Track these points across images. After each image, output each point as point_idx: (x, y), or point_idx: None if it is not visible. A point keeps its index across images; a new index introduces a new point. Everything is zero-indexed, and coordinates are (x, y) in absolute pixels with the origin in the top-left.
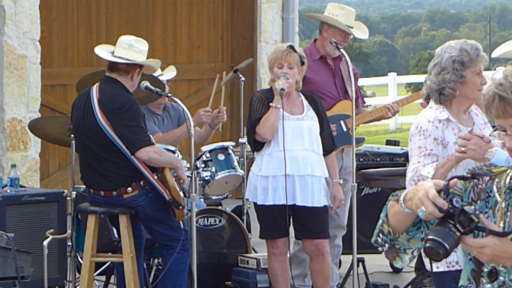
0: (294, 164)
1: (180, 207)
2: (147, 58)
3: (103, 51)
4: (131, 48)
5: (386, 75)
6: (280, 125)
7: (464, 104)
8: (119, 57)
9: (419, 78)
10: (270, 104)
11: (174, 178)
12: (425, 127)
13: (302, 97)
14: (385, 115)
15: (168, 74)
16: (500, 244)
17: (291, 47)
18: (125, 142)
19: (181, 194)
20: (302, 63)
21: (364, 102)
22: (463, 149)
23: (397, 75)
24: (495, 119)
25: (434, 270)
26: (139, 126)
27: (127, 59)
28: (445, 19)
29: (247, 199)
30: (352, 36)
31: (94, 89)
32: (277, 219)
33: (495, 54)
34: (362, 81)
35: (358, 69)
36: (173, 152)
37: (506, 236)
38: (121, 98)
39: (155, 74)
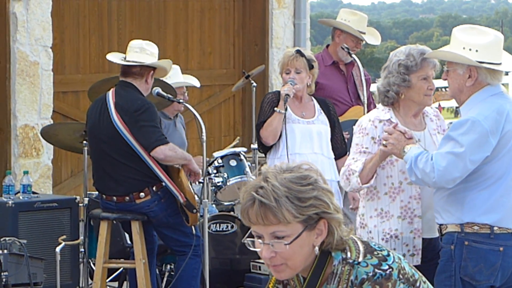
0: None
1: (194, 210)
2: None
3: (115, 58)
4: (143, 51)
5: None
6: (283, 129)
7: (412, 107)
8: (132, 61)
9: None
10: (275, 109)
11: (188, 180)
12: (365, 125)
13: (315, 101)
14: None
15: (192, 81)
16: None
17: (298, 51)
18: (142, 142)
19: (196, 198)
20: (311, 67)
21: (375, 107)
22: (384, 142)
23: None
24: (251, 225)
25: None
26: (155, 126)
27: (141, 62)
28: (457, 24)
29: None
30: (364, 42)
31: (110, 94)
32: None
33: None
34: (374, 87)
35: (370, 74)
36: None
37: None
38: (138, 101)
39: (178, 81)
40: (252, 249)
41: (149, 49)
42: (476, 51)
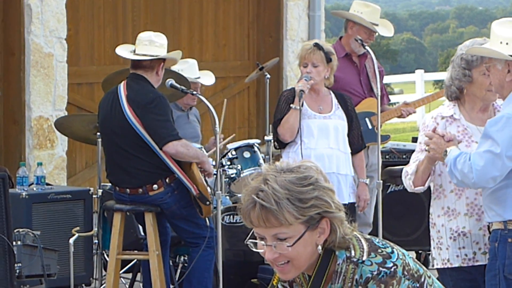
0: (320, 162)
1: (208, 202)
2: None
3: (124, 51)
4: (152, 44)
5: (414, 72)
6: (299, 125)
7: (477, 103)
8: (142, 55)
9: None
10: (291, 105)
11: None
12: (427, 123)
13: (332, 95)
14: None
15: (206, 79)
16: None
17: (316, 45)
18: (154, 136)
19: (208, 190)
20: (330, 60)
21: (389, 100)
22: (426, 148)
23: (425, 72)
24: (253, 227)
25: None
26: (168, 120)
27: (151, 55)
28: (473, 16)
29: None
30: (377, 34)
31: (122, 86)
32: None
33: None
34: (389, 78)
35: (385, 66)
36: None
37: None
38: (150, 94)
39: (193, 77)
40: (255, 250)
41: (158, 41)
42: (507, 44)
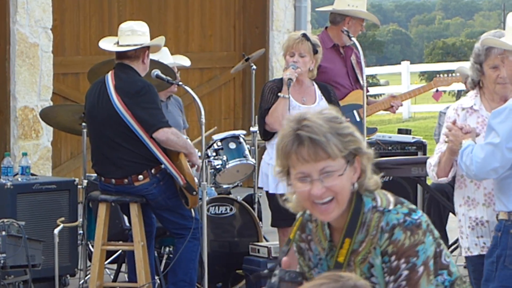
0: None
1: (194, 192)
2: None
3: (108, 44)
4: (134, 33)
5: (400, 63)
6: (287, 114)
7: (494, 94)
8: (126, 45)
9: (433, 66)
10: (278, 94)
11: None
12: (449, 114)
13: (316, 86)
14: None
15: (182, 61)
16: None
17: (304, 35)
18: (143, 124)
19: (195, 180)
20: (316, 52)
21: (368, 91)
22: (446, 139)
23: (411, 63)
24: (299, 166)
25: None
26: (157, 108)
27: (134, 45)
28: (459, 8)
29: (258, 188)
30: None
31: (110, 76)
32: (288, 208)
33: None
34: (375, 70)
35: (371, 57)
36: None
37: None
38: (139, 82)
39: (167, 62)
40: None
41: (140, 29)
42: None
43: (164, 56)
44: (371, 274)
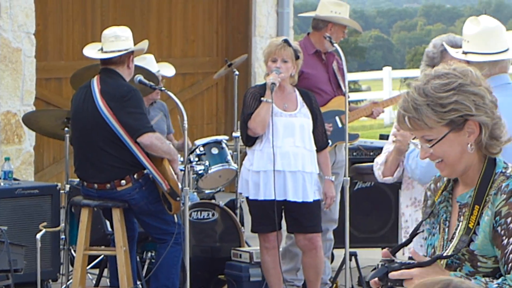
0: (285, 160)
1: (178, 198)
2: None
3: (92, 51)
4: (118, 39)
5: (382, 69)
6: (270, 120)
7: None
8: (110, 51)
9: (415, 72)
10: (262, 98)
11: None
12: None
13: (297, 93)
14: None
15: (167, 71)
16: (429, 273)
17: (286, 41)
18: (128, 128)
19: (179, 185)
20: (297, 58)
21: (349, 97)
22: (393, 139)
23: (392, 69)
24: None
25: None
26: (142, 113)
27: (119, 50)
28: (440, 14)
29: (240, 193)
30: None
31: (95, 81)
32: (268, 214)
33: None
34: (357, 76)
35: (353, 63)
36: None
37: (432, 264)
38: (124, 87)
39: (153, 70)
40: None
41: (123, 35)
42: (468, 41)
43: (149, 63)
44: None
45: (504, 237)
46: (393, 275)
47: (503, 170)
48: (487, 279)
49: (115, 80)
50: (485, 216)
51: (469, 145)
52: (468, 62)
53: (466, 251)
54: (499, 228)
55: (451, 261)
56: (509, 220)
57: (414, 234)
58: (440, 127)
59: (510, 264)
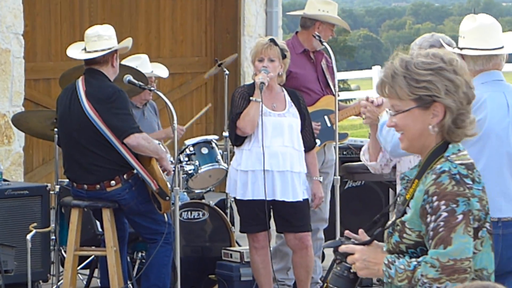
0: (273, 159)
1: (167, 197)
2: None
3: (75, 51)
4: (101, 38)
5: (371, 68)
6: (259, 120)
7: None
8: (94, 51)
9: None
10: (251, 98)
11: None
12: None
13: (285, 92)
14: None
15: (160, 71)
16: (369, 250)
17: (272, 40)
18: (114, 130)
19: (168, 185)
20: (284, 57)
21: (338, 96)
22: (363, 117)
23: (382, 68)
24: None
25: None
26: (128, 114)
27: (102, 50)
28: (429, 13)
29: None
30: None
31: (80, 82)
32: (257, 214)
33: None
34: (346, 75)
35: (342, 62)
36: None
37: (372, 242)
38: (109, 88)
39: (147, 70)
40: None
41: (106, 34)
42: (464, 37)
43: (144, 63)
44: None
45: (429, 215)
46: (341, 248)
47: (450, 155)
48: (413, 259)
49: (100, 81)
50: (418, 191)
51: (431, 126)
52: (463, 57)
53: (399, 222)
54: (427, 206)
55: (389, 231)
56: (434, 198)
57: (383, 213)
58: (409, 100)
59: (431, 241)
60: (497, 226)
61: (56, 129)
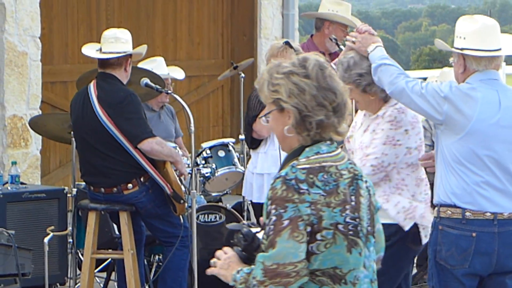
0: None
1: (182, 201)
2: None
3: (91, 51)
4: (118, 41)
5: None
6: None
7: None
8: (109, 52)
9: (420, 73)
10: None
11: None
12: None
13: None
14: None
15: (177, 74)
16: (237, 259)
17: (287, 43)
18: (128, 135)
19: (182, 188)
20: None
21: None
22: (353, 39)
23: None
24: None
25: None
26: (141, 118)
27: (118, 52)
28: (445, 14)
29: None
30: (349, 30)
31: (92, 86)
32: None
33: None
34: None
35: None
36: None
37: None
38: (121, 92)
39: (163, 73)
40: None
41: (123, 37)
42: (464, 38)
43: (160, 66)
44: None
45: (266, 218)
46: (230, 226)
47: (302, 159)
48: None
49: (112, 85)
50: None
51: (285, 128)
52: (463, 57)
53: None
54: (267, 209)
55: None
56: (269, 202)
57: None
58: (270, 103)
59: (266, 243)
60: (492, 225)
61: (73, 132)
